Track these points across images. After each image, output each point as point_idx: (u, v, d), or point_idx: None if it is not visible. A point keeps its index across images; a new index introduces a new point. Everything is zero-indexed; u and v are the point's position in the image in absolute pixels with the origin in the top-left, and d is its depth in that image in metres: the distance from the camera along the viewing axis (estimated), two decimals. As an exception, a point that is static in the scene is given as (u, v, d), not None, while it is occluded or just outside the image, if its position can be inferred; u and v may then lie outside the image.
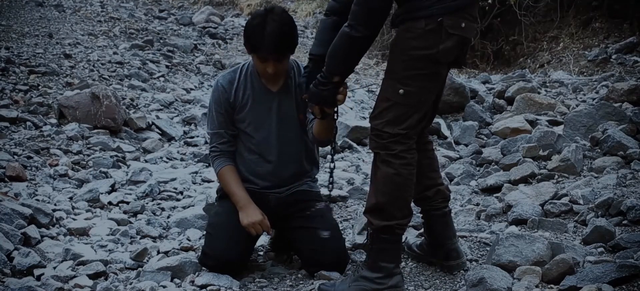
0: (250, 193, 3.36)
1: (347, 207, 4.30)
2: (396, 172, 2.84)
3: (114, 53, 8.46)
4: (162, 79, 7.89)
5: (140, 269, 3.38)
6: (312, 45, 3.13)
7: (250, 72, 3.35)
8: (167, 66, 8.45)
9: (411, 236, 3.54)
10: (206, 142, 6.04)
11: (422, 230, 3.67)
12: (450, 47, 2.79)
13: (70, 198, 4.46)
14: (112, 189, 4.71)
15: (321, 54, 3.01)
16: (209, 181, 4.96)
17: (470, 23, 2.85)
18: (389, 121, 2.82)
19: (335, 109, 3.10)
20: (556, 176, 4.29)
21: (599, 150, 4.60)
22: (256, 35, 3.14)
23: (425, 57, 2.78)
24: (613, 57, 8.10)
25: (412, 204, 3.33)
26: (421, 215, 3.32)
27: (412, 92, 2.81)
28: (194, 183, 4.99)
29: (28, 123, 5.73)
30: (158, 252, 3.62)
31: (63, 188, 4.63)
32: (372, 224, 2.92)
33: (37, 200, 4.22)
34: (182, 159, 5.62)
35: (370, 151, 3.05)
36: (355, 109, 6.95)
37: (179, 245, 3.74)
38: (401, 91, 2.80)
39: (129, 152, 5.60)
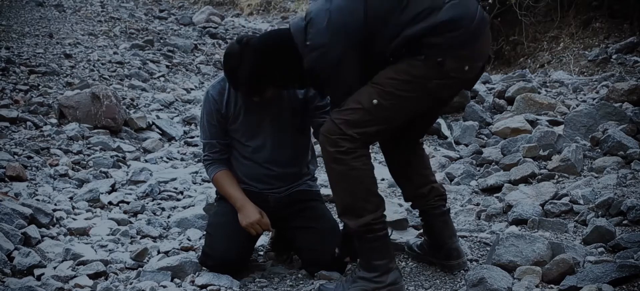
0: (249, 193, 3.35)
1: (347, 207, 4.29)
2: (350, 167, 2.79)
3: (114, 53, 8.46)
4: (162, 79, 7.89)
5: (140, 269, 3.38)
6: None
7: None
8: (167, 66, 8.46)
9: (411, 236, 3.55)
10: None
11: (422, 230, 3.67)
12: (444, 85, 2.77)
13: (71, 198, 4.46)
14: (113, 189, 4.72)
15: None
16: (209, 181, 4.96)
17: (475, 64, 2.80)
18: (348, 121, 2.78)
19: None
20: (556, 176, 4.29)
21: (599, 150, 4.60)
22: (232, 80, 3.15)
23: (413, 83, 2.74)
24: (613, 57, 8.10)
25: (411, 205, 3.33)
26: (420, 217, 3.31)
27: (384, 106, 2.77)
28: (194, 183, 5.00)
29: (28, 123, 5.73)
30: (158, 252, 3.62)
31: (63, 188, 4.64)
32: (350, 227, 2.91)
33: (38, 200, 4.22)
34: (182, 159, 5.62)
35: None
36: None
37: (179, 244, 3.74)
38: (375, 101, 2.76)
39: (129, 152, 5.61)
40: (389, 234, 3.00)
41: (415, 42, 2.71)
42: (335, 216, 3.83)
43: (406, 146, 3.09)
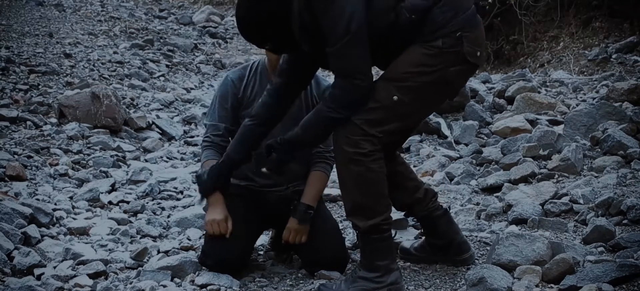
0: (249, 190, 3.35)
1: (347, 206, 4.29)
2: (367, 168, 2.79)
3: (114, 52, 8.46)
4: (162, 78, 7.89)
5: (140, 268, 3.37)
6: (231, 146, 3.15)
7: (260, 71, 3.36)
8: (167, 66, 8.45)
9: (411, 235, 3.55)
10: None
11: (419, 231, 3.67)
12: (460, 72, 2.79)
13: (71, 198, 4.46)
14: (112, 188, 4.71)
15: (238, 160, 3.10)
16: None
17: (483, 52, 2.85)
18: (368, 120, 2.77)
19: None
20: (556, 176, 4.29)
21: (599, 149, 4.61)
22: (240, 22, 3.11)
23: (431, 74, 2.76)
24: (613, 56, 8.10)
25: (407, 213, 3.33)
26: (420, 222, 3.31)
27: (405, 102, 2.78)
28: (194, 183, 4.99)
29: (28, 123, 5.73)
30: (158, 251, 3.61)
31: (63, 188, 4.63)
32: (358, 227, 2.90)
33: (38, 200, 4.22)
34: (182, 159, 5.62)
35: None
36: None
37: (179, 244, 3.74)
38: (395, 97, 2.76)
39: (129, 151, 5.60)
40: (393, 235, 3.00)
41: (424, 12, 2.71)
42: (335, 216, 3.84)
43: (388, 157, 3.06)
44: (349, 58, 2.71)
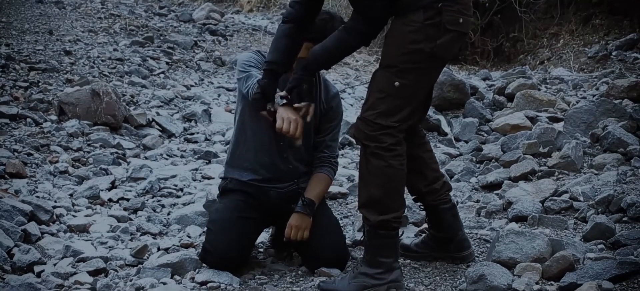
0: (253, 186, 3.36)
1: (347, 204, 4.30)
2: (387, 164, 2.84)
3: (114, 50, 8.45)
4: (162, 75, 7.88)
5: (140, 266, 3.38)
6: (268, 52, 3.13)
7: None
8: (167, 63, 8.44)
9: (411, 233, 3.54)
10: (206, 139, 6.04)
11: (419, 228, 3.67)
12: (447, 42, 2.80)
13: (71, 195, 4.46)
14: (112, 186, 4.71)
15: (278, 61, 3.06)
16: (209, 178, 4.97)
17: (467, 18, 2.87)
18: (382, 113, 2.83)
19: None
20: (556, 173, 4.29)
21: (599, 147, 4.60)
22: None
23: (422, 52, 2.79)
24: (613, 53, 8.10)
25: (416, 199, 3.34)
26: (426, 211, 3.31)
27: (407, 85, 2.82)
28: (194, 180, 5.00)
29: (28, 120, 5.73)
30: (158, 249, 3.62)
31: (63, 185, 4.63)
32: (368, 220, 2.92)
33: (38, 197, 4.22)
34: (182, 156, 5.62)
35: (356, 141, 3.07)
36: (355, 106, 6.94)
37: (179, 241, 3.74)
38: (397, 83, 2.81)
39: (129, 149, 5.60)
40: (401, 235, 3.01)
41: None
42: (336, 213, 3.85)
43: (414, 140, 3.10)
44: (364, 2, 2.86)
